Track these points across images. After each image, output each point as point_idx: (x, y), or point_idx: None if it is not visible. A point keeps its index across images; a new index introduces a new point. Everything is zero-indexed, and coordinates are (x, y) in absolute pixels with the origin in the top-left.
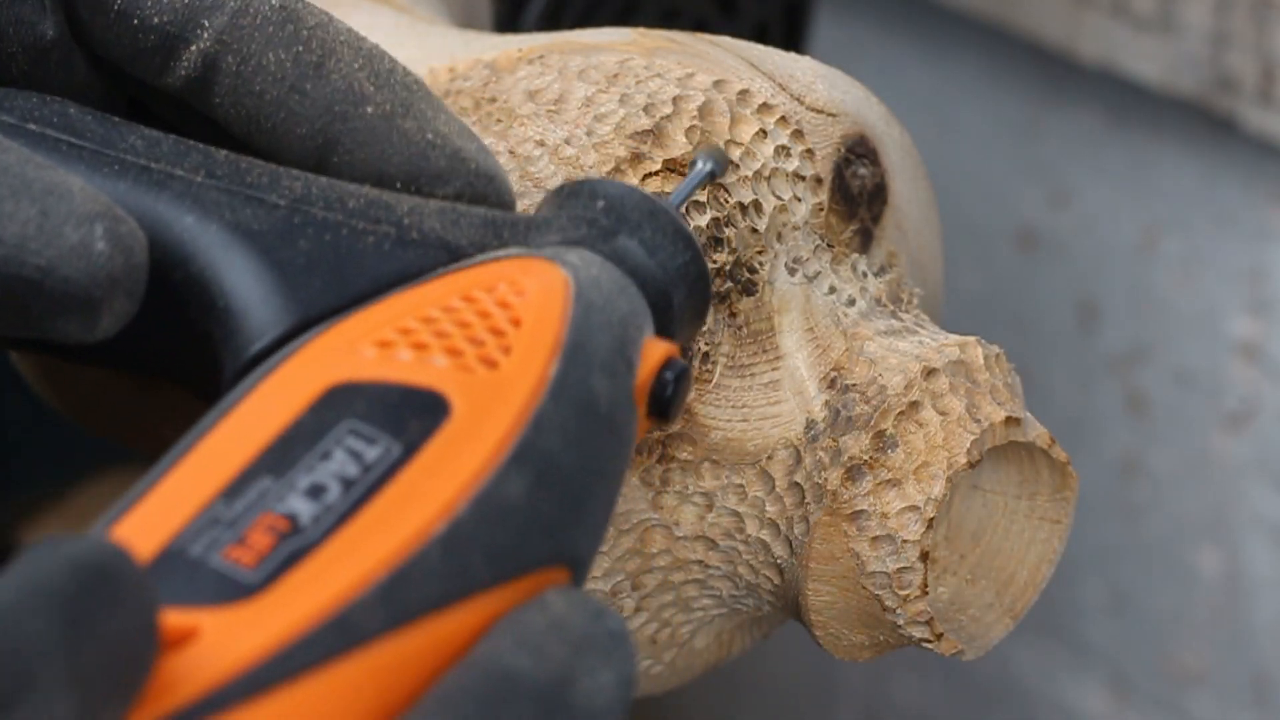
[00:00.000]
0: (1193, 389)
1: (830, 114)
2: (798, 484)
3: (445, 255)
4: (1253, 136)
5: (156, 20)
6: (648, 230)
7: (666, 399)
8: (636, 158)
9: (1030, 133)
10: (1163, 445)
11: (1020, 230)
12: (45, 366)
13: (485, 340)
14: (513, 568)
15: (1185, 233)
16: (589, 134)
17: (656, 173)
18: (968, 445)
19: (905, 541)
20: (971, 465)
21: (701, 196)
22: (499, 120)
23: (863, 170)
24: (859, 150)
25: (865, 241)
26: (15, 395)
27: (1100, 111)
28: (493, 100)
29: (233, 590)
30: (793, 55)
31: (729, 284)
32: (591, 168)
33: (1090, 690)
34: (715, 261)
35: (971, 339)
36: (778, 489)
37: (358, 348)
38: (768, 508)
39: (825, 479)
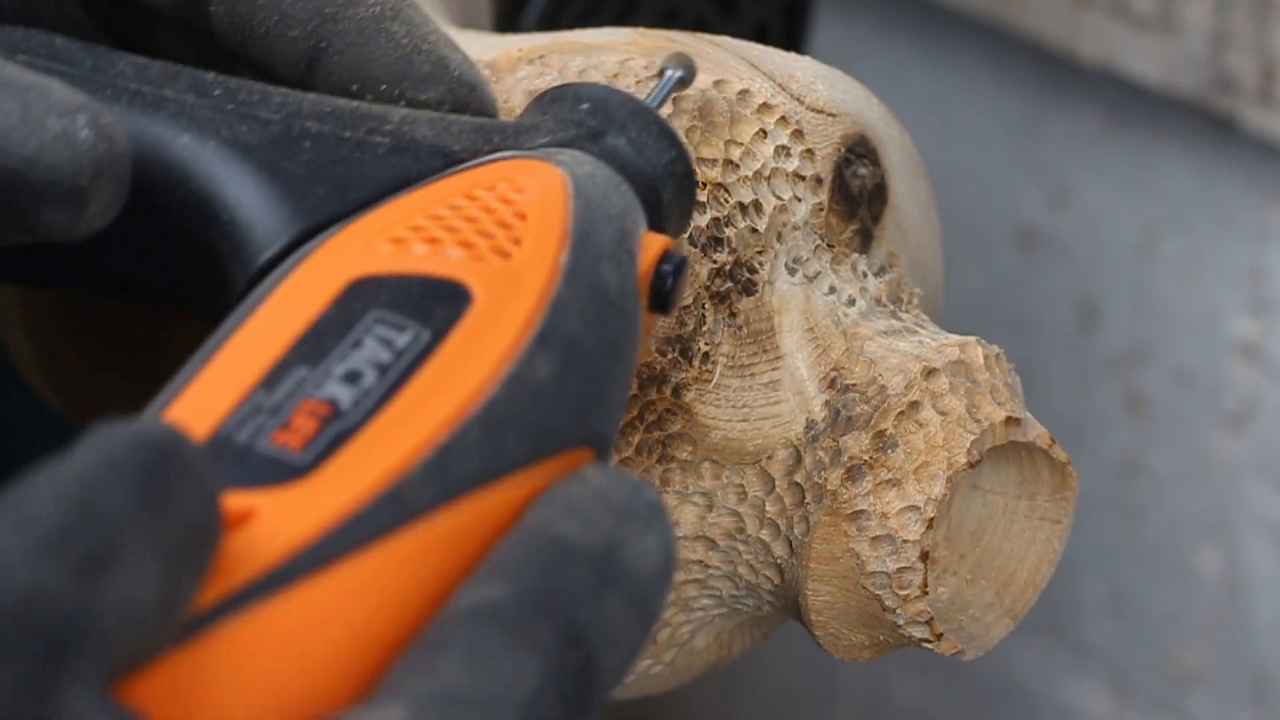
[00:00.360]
0: (1193, 389)
1: (830, 114)
2: (798, 484)
3: (440, 161)
4: (1253, 136)
5: None
6: (634, 129)
7: (666, 291)
8: None
9: (1030, 133)
10: (1163, 445)
11: (1020, 230)
12: (38, 355)
13: (494, 233)
14: (546, 445)
15: (1185, 233)
16: None
17: None
18: (968, 445)
19: (905, 541)
20: (971, 465)
21: (702, 196)
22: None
23: (863, 170)
24: (859, 150)
25: (865, 241)
26: (14, 393)
27: (1100, 111)
28: None
29: (284, 472)
30: (793, 55)
31: (729, 284)
32: None
33: (1090, 690)
34: (715, 261)
35: (971, 339)
36: (778, 489)
37: (372, 245)
38: (768, 508)
39: (825, 479)
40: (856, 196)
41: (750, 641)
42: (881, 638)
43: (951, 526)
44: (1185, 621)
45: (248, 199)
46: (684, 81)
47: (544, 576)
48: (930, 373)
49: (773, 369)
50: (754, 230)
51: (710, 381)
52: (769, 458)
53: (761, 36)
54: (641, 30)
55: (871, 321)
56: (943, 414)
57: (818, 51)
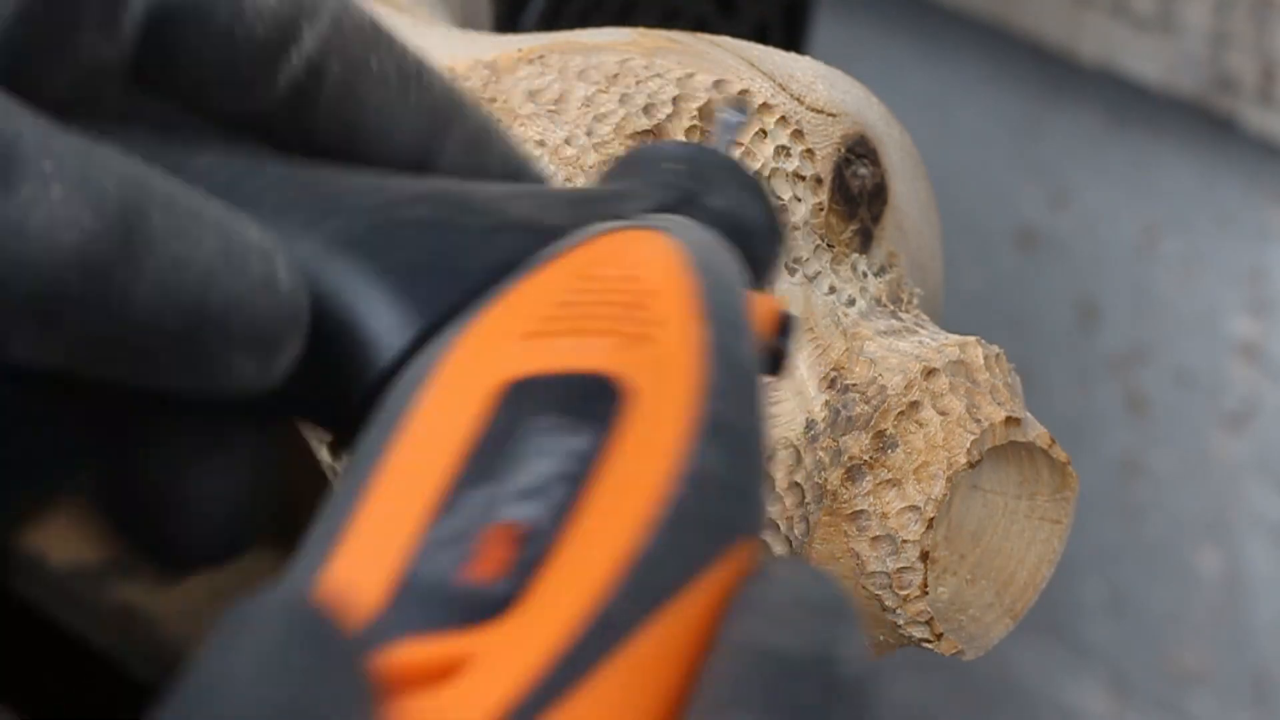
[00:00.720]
0: (1193, 389)
1: (830, 114)
2: (798, 484)
3: (542, 238)
4: (1253, 136)
5: (260, 30)
6: (730, 188)
7: (781, 353)
8: None
9: (1030, 133)
10: (1163, 445)
11: (1020, 230)
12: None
13: (632, 315)
14: (726, 540)
15: (1185, 233)
16: (589, 134)
17: None
18: (968, 445)
19: (905, 541)
20: (971, 465)
21: None
22: (499, 120)
23: (863, 170)
24: (859, 150)
25: (865, 241)
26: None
27: (1100, 111)
28: (493, 100)
29: (486, 608)
30: (793, 55)
31: None
32: (592, 168)
33: (1090, 690)
34: None
35: (971, 339)
36: (778, 489)
37: (509, 343)
38: (768, 508)
39: (825, 479)
40: (856, 196)
41: None
42: (881, 638)
43: (951, 526)
44: (1185, 621)
45: (359, 298)
46: (742, 125)
47: (776, 698)
48: (930, 373)
49: None
50: None
51: None
52: (769, 458)
53: (761, 36)
54: (641, 30)
55: (871, 321)
56: (943, 414)
57: (818, 51)
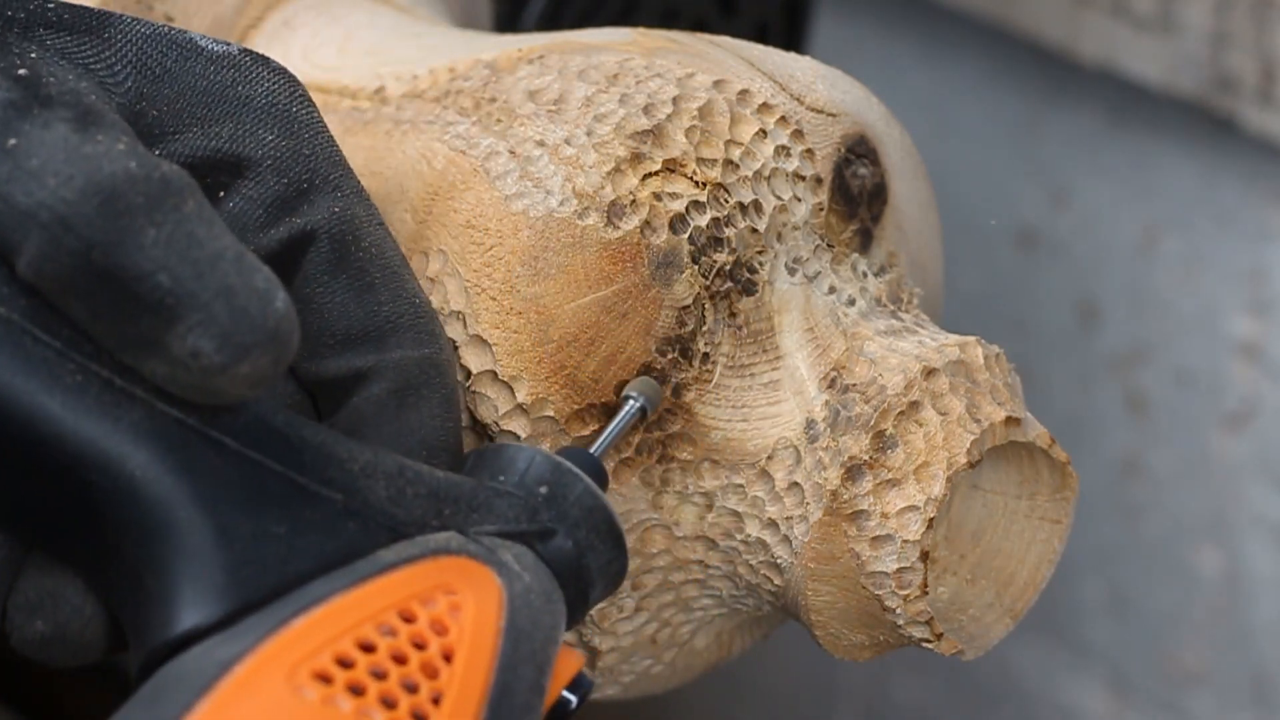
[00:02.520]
0: (1193, 389)
1: (830, 114)
2: (798, 484)
3: (386, 535)
4: (1253, 136)
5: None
6: (584, 530)
7: (566, 715)
8: (636, 157)
9: (1030, 133)
10: (1163, 445)
11: (1020, 230)
12: None
13: (419, 684)
14: None
15: (1185, 233)
16: (589, 134)
17: (656, 173)
18: (968, 445)
19: (905, 541)
20: (971, 465)
21: (701, 196)
22: (499, 120)
23: (863, 170)
24: (859, 150)
25: (865, 241)
26: None
27: (1100, 111)
28: (493, 100)
29: None
30: (793, 55)
31: (729, 284)
32: (592, 167)
33: (1090, 690)
34: (715, 261)
35: (971, 339)
36: (778, 489)
37: (297, 681)
38: (768, 508)
39: (825, 479)
40: (856, 196)
41: (750, 641)
42: (881, 638)
43: (951, 526)
44: (1185, 621)
45: (195, 556)
46: (644, 412)
47: None
48: (930, 373)
49: (773, 369)
50: (754, 230)
51: (710, 381)
52: (769, 458)
53: (761, 36)
54: (641, 30)
55: (871, 321)
56: (943, 414)
57: (818, 51)
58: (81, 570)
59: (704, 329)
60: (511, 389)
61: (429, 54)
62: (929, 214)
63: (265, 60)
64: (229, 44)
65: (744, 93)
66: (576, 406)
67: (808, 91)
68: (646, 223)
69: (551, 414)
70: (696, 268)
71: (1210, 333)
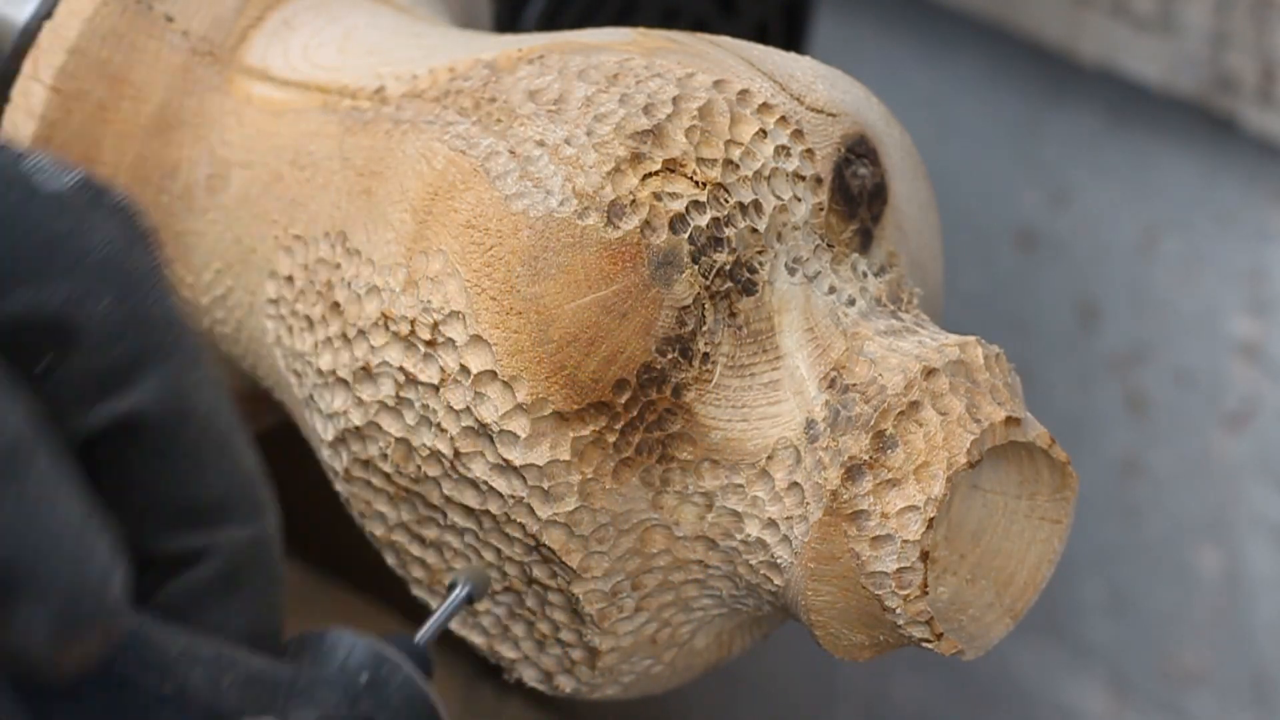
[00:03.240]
0: (1193, 389)
1: (830, 114)
2: (798, 484)
3: None
4: (1253, 136)
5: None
6: (405, 718)
7: None
8: (636, 157)
9: (1030, 133)
10: (1163, 445)
11: (1020, 230)
12: None
13: None
14: None
15: (1185, 233)
16: (589, 134)
17: (656, 173)
18: (968, 445)
19: (905, 541)
20: (971, 465)
21: (702, 196)
22: (499, 120)
23: (863, 170)
24: (859, 150)
25: (865, 241)
26: None
27: (1100, 111)
28: (493, 100)
29: None
30: (793, 55)
31: (729, 284)
32: (592, 167)
33: (1090, 690)
34: (715, 261)
35: (971, 339)
36: (778, 489)
37: None
38: (768, 508)
39: (825, 479)
40: (856, 196)
41: (750, 641)
42: (881, 637)
43: (951, 526)
44: (1185, 621)
45: None
46: (470, 599)
47: None
48: (930, 373)
49: (773, 369)
50: (754, 230)
51: (710, 381)
52: (769, 458)
53: (761, 36)
54: (641, 30)
55: (871, 321)
56: (943, 414)
57: (818, 51)
58: None
59: (704, 329)
60: (511, 389)
61: (429, 54)
62: (929, 214)
63: (101, 198)
64: (67, 173)
65: (744, 93)
66: (576, 406)
67: (808, 91)
68: (646, 223)
69: (551, 413)
70: (696, 268)
71: (1210, 333)
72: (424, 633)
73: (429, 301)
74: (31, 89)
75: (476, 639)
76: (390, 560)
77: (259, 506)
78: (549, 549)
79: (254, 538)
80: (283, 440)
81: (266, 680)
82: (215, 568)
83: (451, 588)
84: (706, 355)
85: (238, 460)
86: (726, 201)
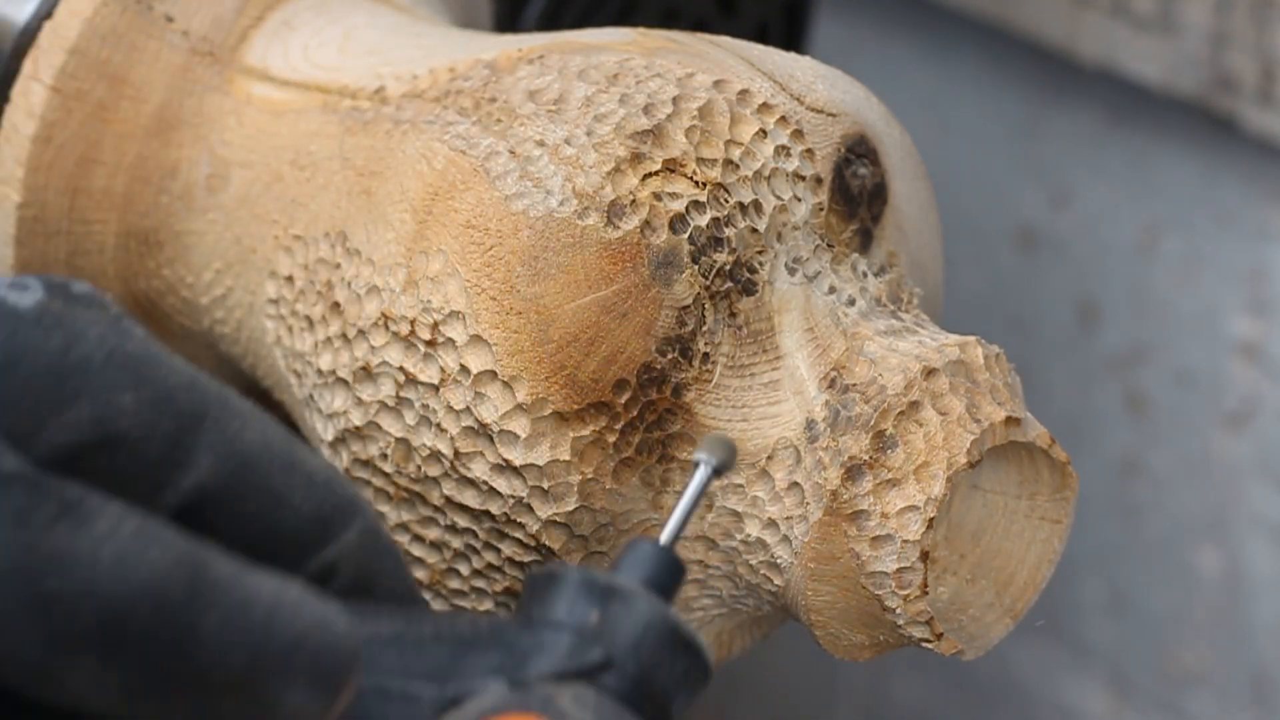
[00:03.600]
0: (1193, 389)
1: (830, 114)
2: (798, 484)
3: (430, 709)
4: (1253, 136)
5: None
6: (646, 649)
7: None
8: (636, 157)
9: (1030, 133)
10: (1163, 445)
11: (1020, 230)
12: None
13: None
14: None
15: (1185, 233)
16: (589, 134)
17: (656, 173)
18: (968, 445)
19: (905, 541)
20: (971, 465)
21: (702, 196)
22: (499, 120)
23: (863, 170)
24: (859, 150)
25: (865, 241)
26: None
27: (1100, 111)
28: (493, 100)
29: None
30: (793, 55)
31: (729, 284)
32: (592, 167)
33: (1090, 690)
34: (715, 261)
35: (971, 339)
36: (778, 489)
37: None
38: (768, 508)
39: (825, 479)
40: (856, 196)
41: (750, 641)
42: (881, 637)
43: (951, 526)
44: (1185, 621)
45: None
46: (719, 473)
47: None
48: (930, 373)
49: (773, 369)
50: (754, 230)
51: (710, 381)
52: (769, 458)
53: (761, 36)
54: (641, 30)
55: (871, 321)
56: (943, 414)
57: (818, 51)
58: None
59: (704, 329)
60: (511, 389)
61: (429, 54)
62: (929, 214)
63: (70, 293)
64: (28, 281)
65: (744, 93)
66: (576, 406)
67: (808, 91)
68: (646, 223)
69: (551, 414)
70: (696, 268)
71: (1210, 333)
72: (669, 531)
73: (429, 301)
74: (31, 89)
75: None
76: None
77: (348, 501)
78: (549, 549)
79: (362, 531)
80: None
81: (491, 640)
82: (348, 576)
83: (695, 466)
84: (706, 355)
85: (311, 473)
86: (726, 201)
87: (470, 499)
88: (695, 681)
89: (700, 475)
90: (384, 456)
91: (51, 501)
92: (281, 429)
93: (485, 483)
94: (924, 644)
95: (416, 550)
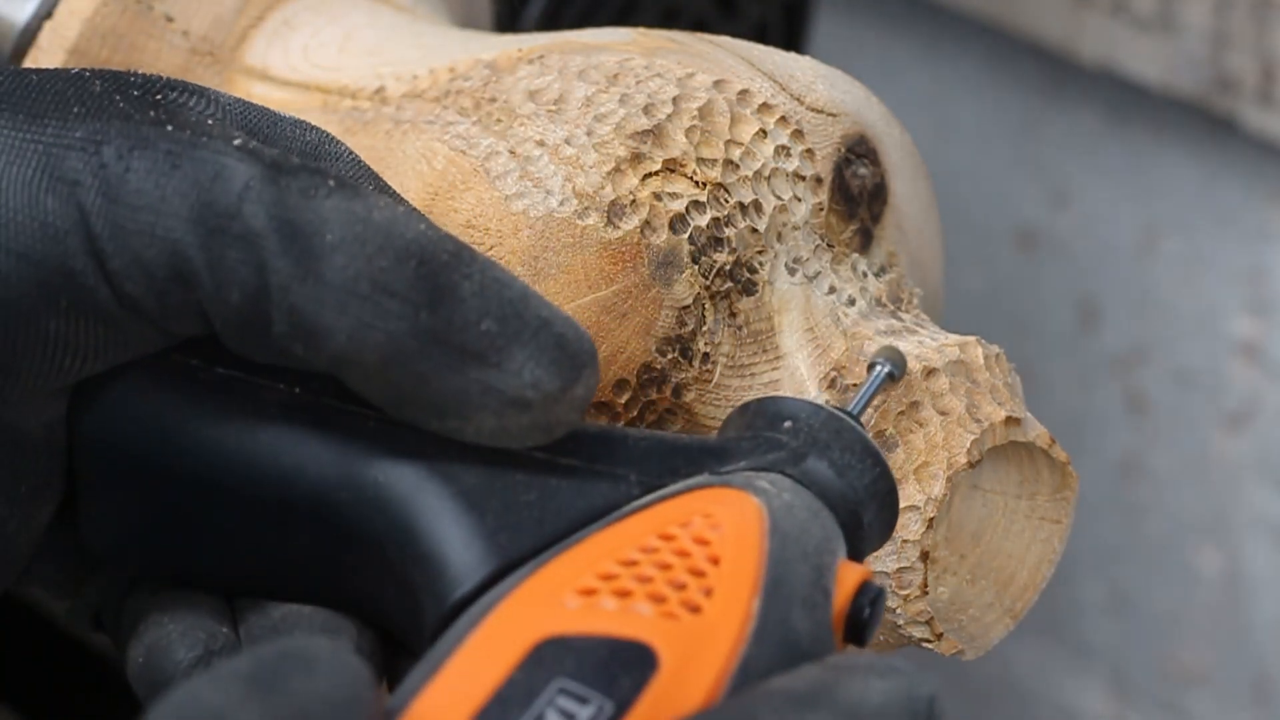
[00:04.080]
0: (1193, 389)
1: (830, 114)
2: None
3: (638, 488)
4: (1253, 136)
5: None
6: (836, 450)
7: (863, 624)
8: (636, 157)
9: (1030, 133)
10: (1163, 445)
11: (1020, 230)
12: None
13: (687, 583)
14: None
15: (1185, 233)
16: (589, 134)
17: (656, 173)
18: (968, 445)
19: (905, 541)
20: (971, 465)
21: (702, 196)
22: (499, 120)
23: (863, 170)
24: (859, 150)
25: (865, 241)
26: None
27: (1100, 111)
28: (493, 100)
29: None
30: (793, 55)
31: (729, 284)
32: (592, 167)
33: (1090, 690)
34: (715, 261)
35: (971, 339)
36: None
37: (561, 597)
38: None
39: None
40: (856, 196)
41: None
42: (881, 637)
43: (951, 526)
44: (1185, 621)
45: (446, 534)
46: (893, 378)
47: None
48: (930, 372)
49: (773, 369)
50: (754, 230)
51: (710, 381)
52: None
53: (761, 36)
54: (641, 30)
55: (871, 321)
56: (943, 414)
57: (818, 51)
58: (329, 599)
59: (704, 329)
60: None
61: (429, 54)
62: (929, 214)
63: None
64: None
65: (744, 93)
66: None
67: (808, 91)
68: (646, 223)
69: None
70: (696, 268)
71: (1210, 333)
72: (856, 403)
73: None
74: None
75: None
76: None
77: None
78: None
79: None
80: None
81: (692, 447)
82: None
83: (871, 367)
84: (706, 355)
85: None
86: (726, 201)
87: None
88: (885, 497)
89: (878, 373)
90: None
91: (330, 179)
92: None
93: None
94: (924, 644)
95: None
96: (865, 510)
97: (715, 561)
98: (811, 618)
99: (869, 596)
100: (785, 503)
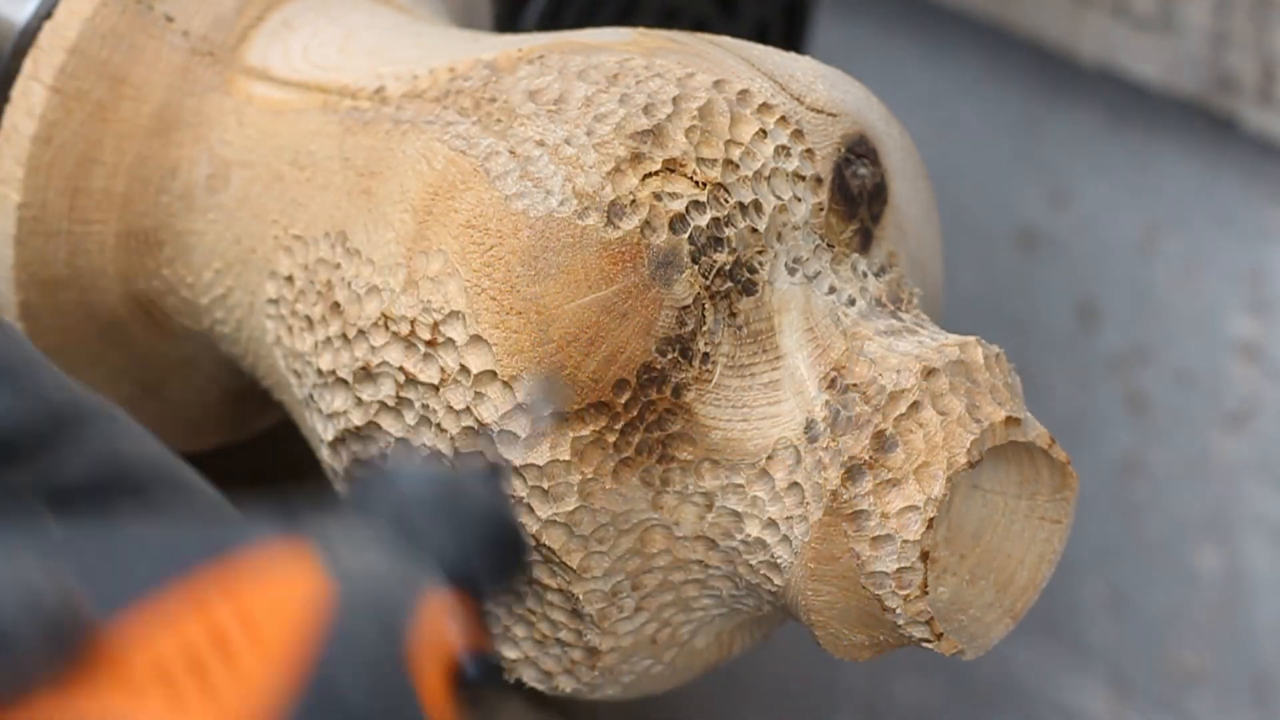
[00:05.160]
0: (1193, 389)
1: (830, 114)
2: (798, 484)
3: (210, 544)
4: (1253, 136)
5: None
6: (465, 537)
7: (469, 684)
8: (636, 157)
9: (1030, 133)
10: (1163, 445)
11: (1020, 230)
12: None
13: (220, 674)
14: None
15: (1185, 233)
16: (589, 134)
17: (656, 173)
18: (968, 445)
19: (905, 541)
20: (971, 465)
21: (702, 196)
22: (499, 120)
23: (863, 170)
24: (859, 150)
25: (865, 241)
26: None
27: (1100, 111)
28: (493, 100)
29: None
30: (793, 55)
31: (729, 284)
32: (592, 167)
33: (1090, 690)
34: (715, 261)
35: (971, 339)
36: (778, 489)
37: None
38: (768, 508)
39: (825, 479)
40: (856, 196)
41: (750, 641)
42: (881, 637)
43: (951, 526)
44: (1185, 621)
45: None
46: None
47: None
48: (930, 373)
49: (773, 369)
50: (754, 230)
51: (710, 381)
52: (769, 458)
53: (761, 36)
54: (642, 30)
55: (871, 321)
56: (943, 414)
57: (818, 51)
58: None
59: (704, 329)
60: (511, 389)
61: (429, 54)
62: (929, 214)
63: None
64: None
65: (744, 93)
66: (576, 406)
67: (808, 91)
68: (646, 223)
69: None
70: (696, 268)
71: (1210, 333)
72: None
73: (429, 301)
74: (31, 89)
75: None
76: None
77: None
78: (549, 549)
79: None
80: (283, 440)
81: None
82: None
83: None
84: (706, 355)
85: (194, 491)
86: (726, 201)
87: None
88: (508, 576)
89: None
90: (384, 457)
91: None
92: (162, 446)
93: None
94: (924, 644)
95: None
96: (481, 585)
97: (254, 646)
98: (372, 696)
99: (470, 671)
100: (353, 566)
